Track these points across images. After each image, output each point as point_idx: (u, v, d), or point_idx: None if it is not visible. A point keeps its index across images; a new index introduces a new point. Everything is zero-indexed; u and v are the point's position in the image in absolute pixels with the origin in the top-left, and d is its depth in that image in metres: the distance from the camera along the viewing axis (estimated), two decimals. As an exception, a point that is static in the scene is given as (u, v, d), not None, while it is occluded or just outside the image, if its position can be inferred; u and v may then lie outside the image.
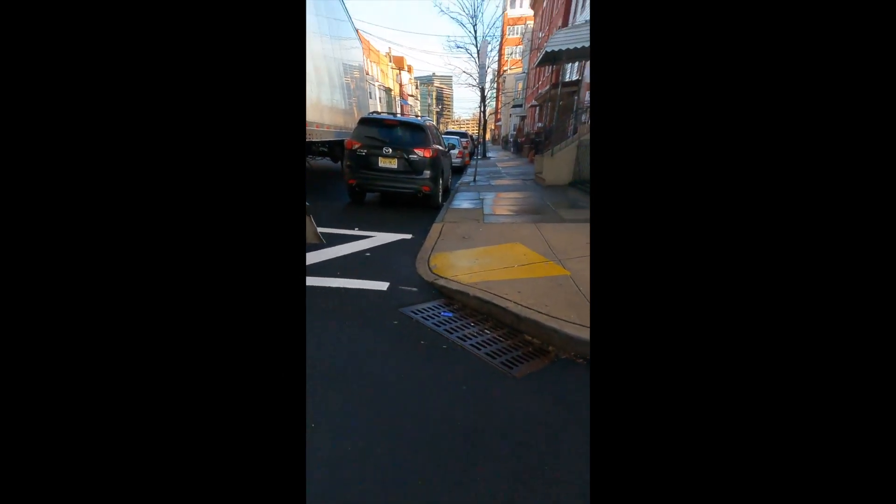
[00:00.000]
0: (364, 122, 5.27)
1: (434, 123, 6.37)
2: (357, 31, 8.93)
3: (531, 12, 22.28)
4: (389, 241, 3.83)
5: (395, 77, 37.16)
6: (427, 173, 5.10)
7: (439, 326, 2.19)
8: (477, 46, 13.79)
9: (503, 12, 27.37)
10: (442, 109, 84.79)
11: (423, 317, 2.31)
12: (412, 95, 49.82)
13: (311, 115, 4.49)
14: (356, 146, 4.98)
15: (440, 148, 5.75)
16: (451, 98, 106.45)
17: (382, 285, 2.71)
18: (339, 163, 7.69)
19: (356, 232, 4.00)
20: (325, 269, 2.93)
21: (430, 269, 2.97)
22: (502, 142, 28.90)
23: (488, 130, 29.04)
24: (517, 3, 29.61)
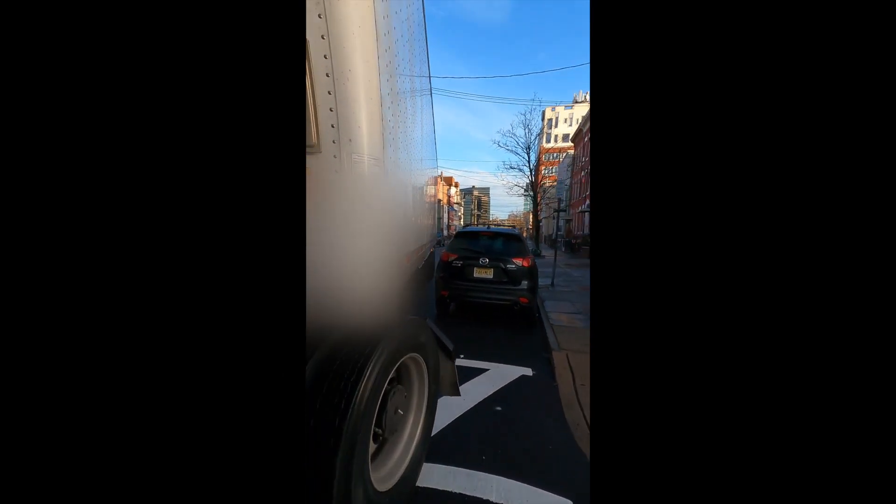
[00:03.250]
0: (460, 234, 5.02)
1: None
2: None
3: (569, 144, 33.77)
4: (510, 378, 2.94)
5: (444, 191, 42.96)
6: (525, 283, 4.45)
7: None
8: (530, 168, 19.58)
9: (539, 145, 37.18)
10: (481, 213, 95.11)
11: None
12: (458, 203, 55.81)
13: (423, 239, 4.18)
14: (452, 258, 4.61)
15: (531, 256, 5.27)
16: (488, 203, 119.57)
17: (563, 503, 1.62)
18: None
19: (465, 362, 3.18)
20: (460, 440, 2.02)
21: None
22: (545, 240, 29.48)
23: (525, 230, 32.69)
24: (551, 138, 44.09)
